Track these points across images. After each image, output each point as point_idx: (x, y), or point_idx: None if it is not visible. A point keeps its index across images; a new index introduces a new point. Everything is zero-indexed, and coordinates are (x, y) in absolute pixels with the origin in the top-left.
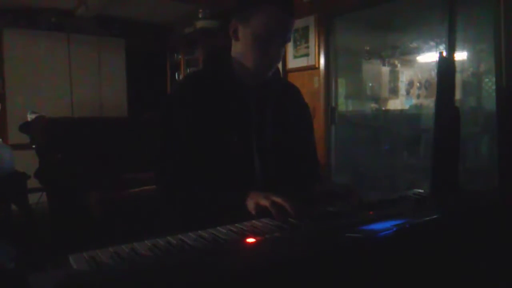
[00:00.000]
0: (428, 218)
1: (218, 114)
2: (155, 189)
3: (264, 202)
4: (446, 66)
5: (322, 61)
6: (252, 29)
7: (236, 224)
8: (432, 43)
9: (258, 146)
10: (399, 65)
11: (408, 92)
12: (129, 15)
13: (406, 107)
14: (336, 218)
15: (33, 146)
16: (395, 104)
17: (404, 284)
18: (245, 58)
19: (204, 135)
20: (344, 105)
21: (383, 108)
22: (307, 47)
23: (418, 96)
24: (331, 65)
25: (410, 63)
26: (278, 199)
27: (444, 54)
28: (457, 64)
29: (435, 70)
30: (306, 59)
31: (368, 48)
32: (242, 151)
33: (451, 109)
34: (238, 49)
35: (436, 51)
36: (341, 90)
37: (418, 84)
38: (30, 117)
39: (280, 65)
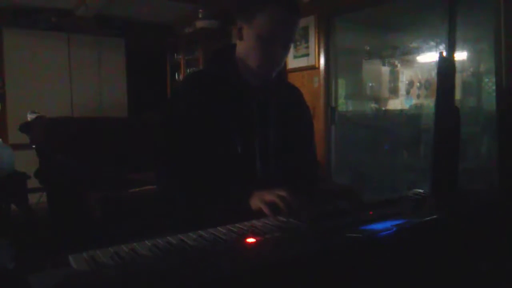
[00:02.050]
0: (428, 218)
1: (220, 114)
2: (155, 188)
3: (270, 197)
4: (446, 66)
5: (322, 61)
6: (256, 29)
7: (236, 224)
8: (432, 43)
9: (260, 146)
10: (399, 65)
11: (408, 92)
12: (129, 15)
13: (406, 107)
14: (336, 218)
15: (33, 146)
16: (395, 104)
17: (404, 284)
18: (249, 58)
19: (206, 135)
20: (344, 105)
21: (383, 108)
22: (307, 47)
23: (418, 96)
24: (331, 65)
25: (410, 63)
26: (283, 193)
27: (444, 54)
28: (457, 64)
29: (435, 70)
30: (306, 59)
31: (368, 48)
32: (244, 150)
33: (451, 109)
34: (242, 49)
35: (436, 51)
36: (341, 90)
37: (418, 84)
38: (30, 117)
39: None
